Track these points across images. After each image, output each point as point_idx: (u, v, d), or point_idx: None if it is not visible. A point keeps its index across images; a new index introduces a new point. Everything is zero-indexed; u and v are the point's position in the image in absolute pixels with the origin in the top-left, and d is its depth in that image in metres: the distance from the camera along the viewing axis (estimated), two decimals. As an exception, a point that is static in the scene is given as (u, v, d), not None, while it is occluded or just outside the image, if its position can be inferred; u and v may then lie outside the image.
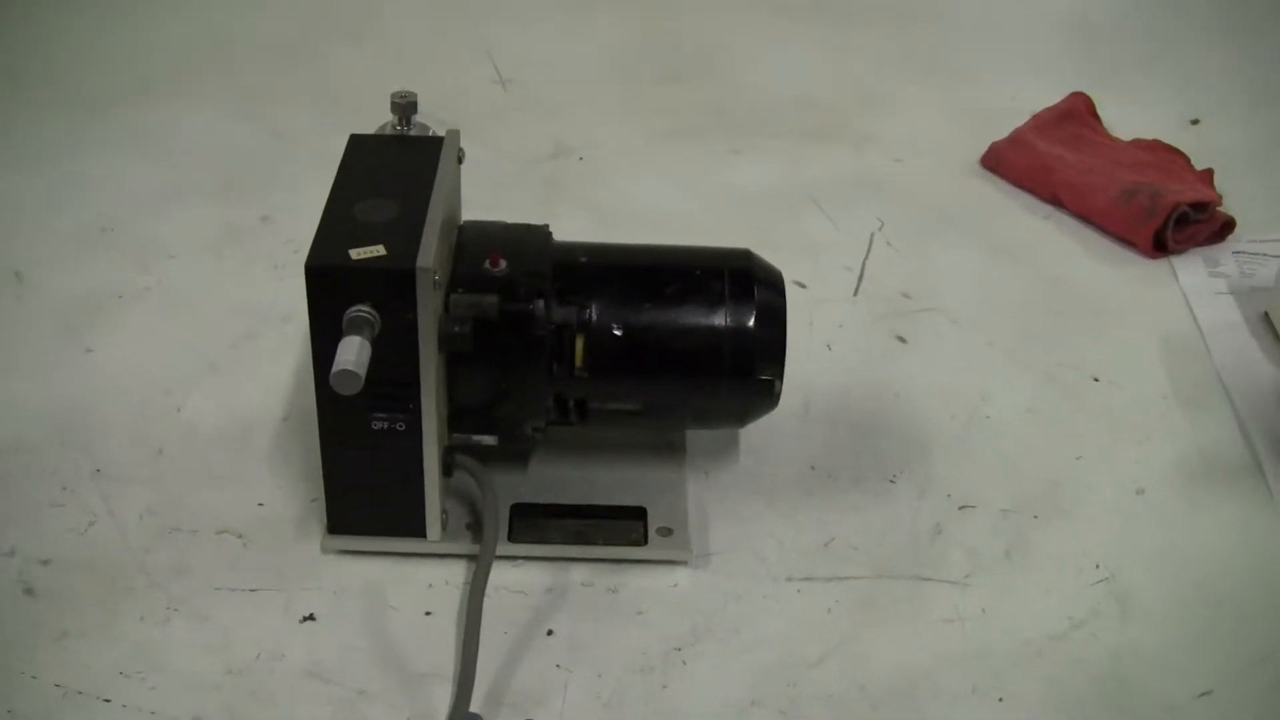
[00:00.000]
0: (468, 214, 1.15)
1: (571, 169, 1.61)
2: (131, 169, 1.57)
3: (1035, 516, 1.15)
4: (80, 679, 0.99)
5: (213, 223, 1.48)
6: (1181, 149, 1.63)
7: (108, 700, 0.98)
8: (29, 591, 1.06)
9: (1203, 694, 1.01)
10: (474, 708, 0.95)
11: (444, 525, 1.08)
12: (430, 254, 0.97)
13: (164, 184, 1.55)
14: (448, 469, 1.07)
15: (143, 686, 0.99)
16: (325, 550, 1.09)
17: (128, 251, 1.43)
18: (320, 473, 1.06)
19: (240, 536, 1.11)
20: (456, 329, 1.01)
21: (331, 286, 0.97)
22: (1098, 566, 1.11)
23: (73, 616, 1.04)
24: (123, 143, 1.62)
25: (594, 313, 1.06)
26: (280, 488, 1.15)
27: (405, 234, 0.99)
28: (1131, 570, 1.11)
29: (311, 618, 1.04)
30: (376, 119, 1.14)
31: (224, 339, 1.31)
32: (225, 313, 1.35)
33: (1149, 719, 0.99)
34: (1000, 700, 1.00)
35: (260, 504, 1.14)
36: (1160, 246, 1.48)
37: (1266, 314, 1.39)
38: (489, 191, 1.43)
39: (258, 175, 1.57)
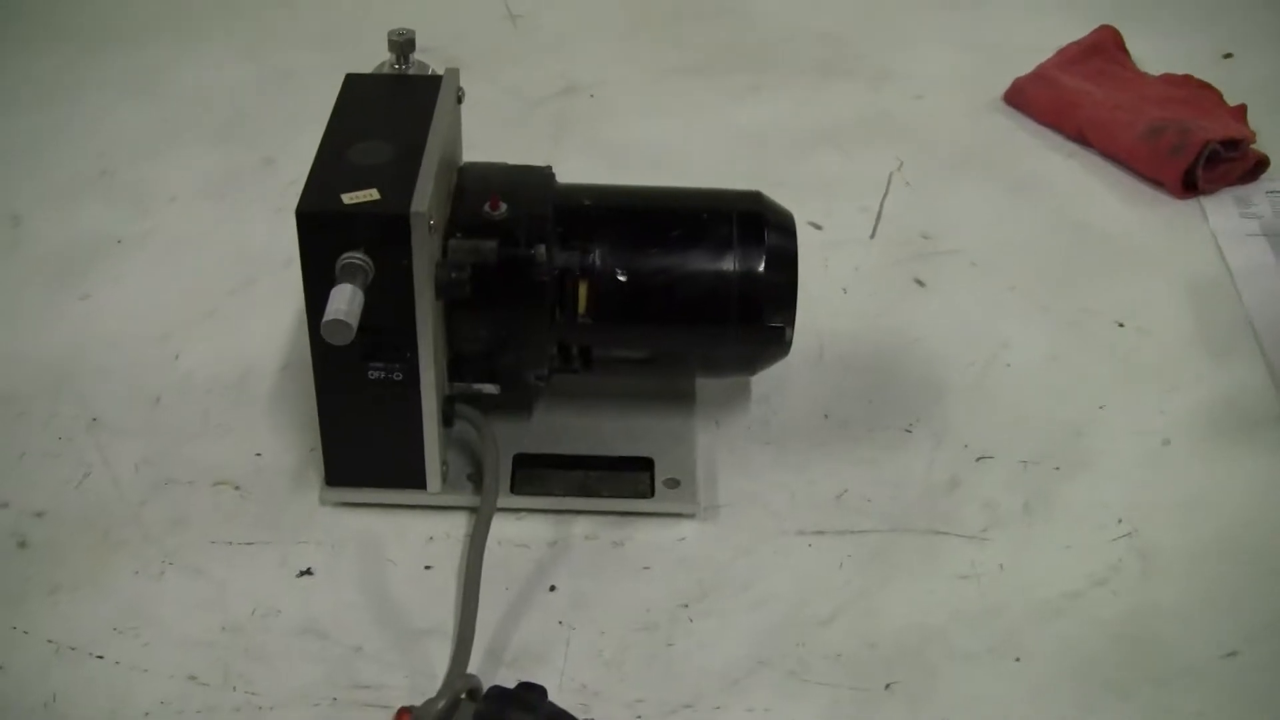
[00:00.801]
0: (474, 154, 1.12)
1: (581, 106, 1.58)
2: (130, 110, 1.54)
3: (1056, 468, 1.12)
4: (73, 634, 0.97)
5: (213, 165, 1.46)
6: (1213, 84, 1.58)
7: (100, 657, 0.96)
8: (22, 544, 1.04)
9: (1228, 655, 0.98)
10: (473, 665, 0.93)
11: (444, 477, 1.06)
12: (425, 198, 0.94)
13: (163, 126, 1.52)
14: (448, 419, 1.04)
15: (136, 642, 0.97)
16: (323, 502, 1.07)
17: (127, 195, 1.41)
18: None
19: (237, 488, 1.09)
20: (454, 275, 0.98)
21: (323, 232, 0.94)
22: (1120, 521, 1.08)
23: (66, 570, 1.02)
24: (121, 83, 1.59)
25: (598, 257, 1.03)
26: (279, 437, 1.13)
27: (400, 177, 0.96)
28: (1155, 525, 1.07)
29: (309, 572, 1.02)
30: (383, 56, 1.11)
31: (223, 285, 1.29)
32: (225, 258, 1.32)
33: (1171, 681, 0.96)
34: (1017, 660, 0.97)
35: (258, 454, 1.11)
36: (1190, 186, 1.44)
37: (1299, 256, 1.35)
38: (496, 130, 1.41)
39: (260, 116, 1.54)
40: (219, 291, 1.28)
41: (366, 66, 1.12)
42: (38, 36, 1.67)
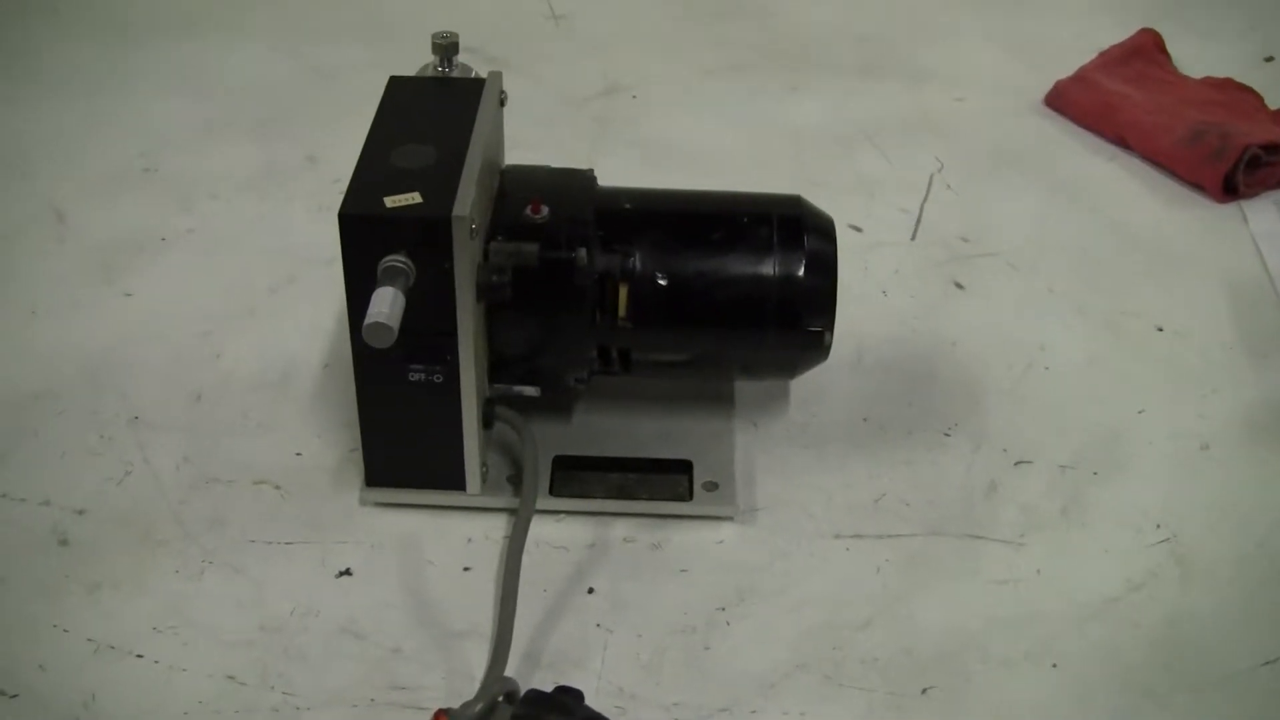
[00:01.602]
0: (515, 154, 1.12)
1: (623, 107, 1.58)
2: (174, 105, 1.56)
3: (1094, 473, 1.12)
4: (113, 633, 0.98)
5: (256, 162, 1.47)
6: (1255, 87, 1.58)
7: (140, 656, 0.96)
8: (64, 542, 1.04)
9: (1266, 662, 0.98)
10: (511, 668, 0.93)
11: (484, 478, 1.06)
12: (468, 202, 0.94)
13: (207, 121, 1.53)
14: (488, 421, 1.05)
15: (175, 641, 0.97)
16: (363, 503, 1.08)
17: (170, 191, 1.42)
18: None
19: (278, 487, 1.09)
20: (495, 278, 0.98)
21: (366, 236, 0.94)
22: (1158, 526, 1.07)
23: (106, 569, 1.02)
24: (165, 78, 1.60)
25: (638, 261, 1.03)
26: (319, 437, 1.13)
27: (442, 181, 0.96)
28: (1193, 530, 1.07)
29: (348, 572, 1.02)
30: (427, 53, 1.11)
31: (265, 282, 1.29)
32: (267, 255, 1.33)
33: (1209, 688, 0.96)
34: (1054, 666, 0.97)
35: (298, 454, 1.12)
36: (1230, 190, 1.44)
37: (1340, 261, 1.35)
38: (538, 130, 1.41)
39: (303, 112, 1.55)
40: (261, 289, 1.29)
41: (409, 63, 1.12)
42: (81, 32, 1.68)
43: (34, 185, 1.42)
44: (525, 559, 0.99)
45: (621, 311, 1.04)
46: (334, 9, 1.75)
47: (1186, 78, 1.62)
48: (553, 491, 1.08)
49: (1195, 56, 1.65)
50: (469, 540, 1.05)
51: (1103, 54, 1.64)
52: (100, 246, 1.33)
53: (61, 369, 1.19)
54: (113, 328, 1.24)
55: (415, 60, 1.12)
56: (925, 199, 1.43)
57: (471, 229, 0.94)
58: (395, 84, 1.08)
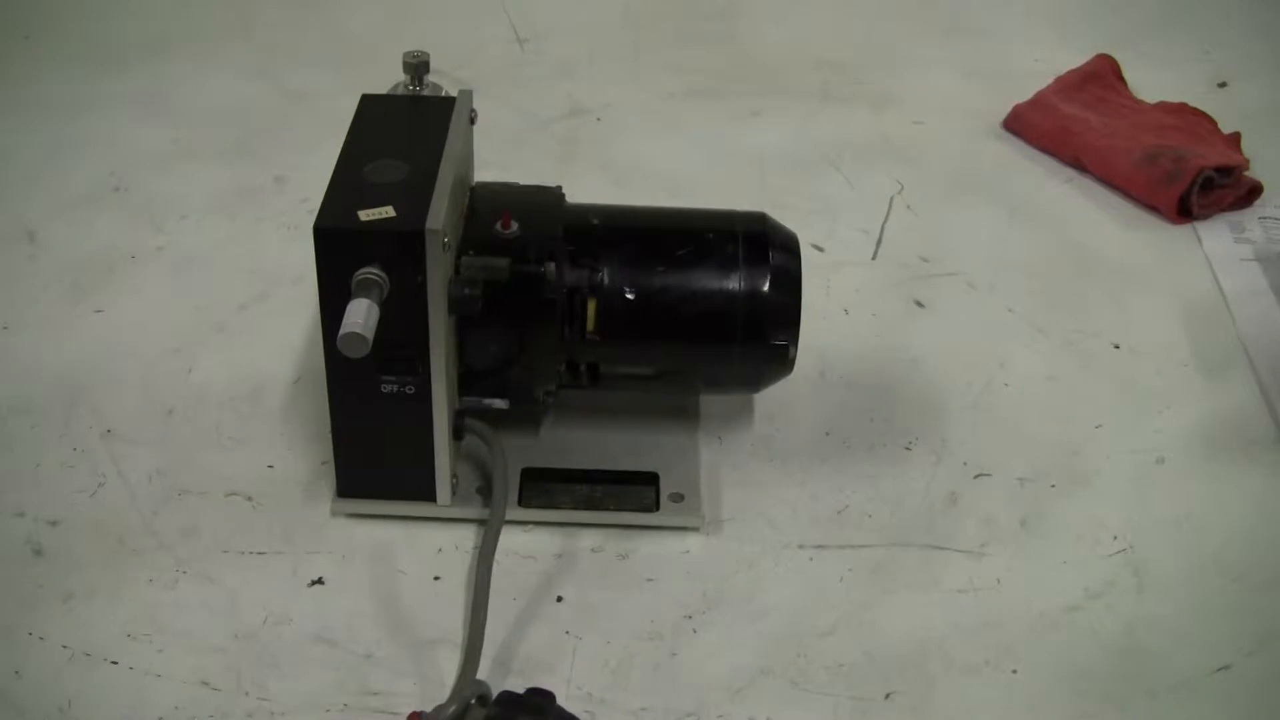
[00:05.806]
0: (483, 174, 1.14)
1: (588, 129, 1.60)
2: (144, 127, 1.56)
3: (1053, 486, 1.14)
4: (87, 641, 0.99)
5: (225, 182, 1.48)
6: (1208, 112, 1.60)
7: (115, 662, 0.97)
8: (38, 552, 1.05)
9: (1220, 669, 1.00)
10: (481, 673, 0.94)
11: (454, 489, 1.07)
12: (440, 216, 0.96)
13: (177, 142, 1.54)
14: (458, 432, 1.06)
15: (150, 649, 0.98)
16: (335, 514, 1.09)
17: (140, 211, 1.42)
18: (330, 435, 1.05)
19: (249, 499, 1.10)
20: (466, 291, 1.00)
21: (340, 248, 0.95)
22: (1115, 537, 1.09)
23: (81, 578, 1.03)
24: (136, 100, 1.61)
25: (606, 276, 1.05)
26: (290, 450, 1.15)
27: (415, 195, 0.98)
28: (1150, 541, 1.09)
29: (320, 581, 1.04)
30: (393, 78, 1.13)
31: (235, 299, 1.30)
32: (237, 273, 1.34)
33: (1165, 693, 0.98)
34: (1014, 673, 0.99)
35: (270, 466, 1.13)
36: (1185, 212, 1.46)
37: (1292, 280, 1.37)
38: (505, 151, 1.43)
39: (272, 134, 1.56)
40: (230, 306, 1.30)
41: (375, 88, 1.14)
42: (53, 54, 1.69)
43: (5, 204, 1.42)
44: (495, 568, 1.00)
45: (590, 325, 1.05)
46: (304, 34, 1.77)
47: (1142, 103, 1.64)
48: (521, 502, 1.09)
49: (1150, 82, 1.68)
50: (439, 550, 1.06)
51: (1060, 79, 1.66)
52: (71, 265, 1.34)
53: (34, 385, 1.20)
54: (85, 344, 1.25)
55: (384, 85, 1.14)
56: (886, 220, 1.45)
57: (444, 242, 0.95)
58: (367, 101, 1.10)
